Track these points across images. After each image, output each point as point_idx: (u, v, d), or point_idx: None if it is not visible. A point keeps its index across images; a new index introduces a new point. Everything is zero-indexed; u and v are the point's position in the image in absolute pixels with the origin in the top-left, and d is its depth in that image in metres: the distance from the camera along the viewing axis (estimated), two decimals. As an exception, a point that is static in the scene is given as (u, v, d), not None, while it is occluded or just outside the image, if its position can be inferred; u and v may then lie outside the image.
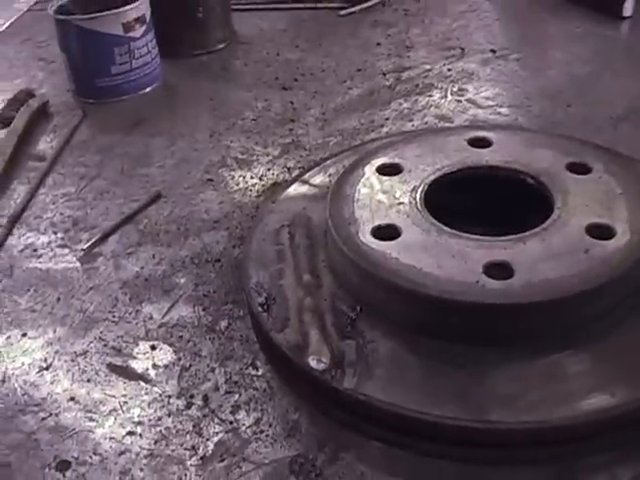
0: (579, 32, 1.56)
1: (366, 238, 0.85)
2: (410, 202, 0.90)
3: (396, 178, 0.95)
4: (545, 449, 0.74)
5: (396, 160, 0.98)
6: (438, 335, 0.78)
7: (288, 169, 1.19)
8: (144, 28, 1.43)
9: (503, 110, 1.30)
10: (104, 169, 1.25)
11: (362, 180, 0.95)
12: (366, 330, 0.81)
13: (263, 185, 1.16)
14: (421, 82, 1.41)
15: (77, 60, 1.43)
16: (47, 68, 1.61)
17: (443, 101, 1.34)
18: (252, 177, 1.18)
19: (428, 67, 1.47)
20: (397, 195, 0.91)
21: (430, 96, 1.36)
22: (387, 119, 1.30)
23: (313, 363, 0.78)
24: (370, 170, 0.96)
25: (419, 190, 0.92)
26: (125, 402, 0.84)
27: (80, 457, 0.78)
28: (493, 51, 1.50)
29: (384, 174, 0.96)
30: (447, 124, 1.26)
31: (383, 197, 0.91)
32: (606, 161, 0.95)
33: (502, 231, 0.85)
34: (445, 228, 0.85)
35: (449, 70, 1.45)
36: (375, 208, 0.90)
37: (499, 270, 0.79)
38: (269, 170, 1.19)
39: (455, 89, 1.38)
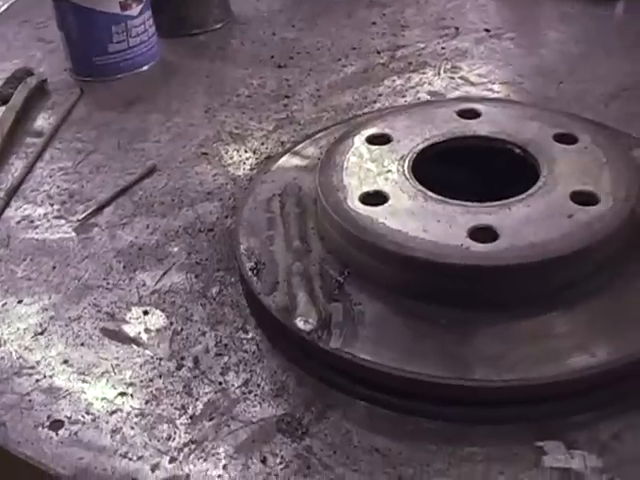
0: (573, 12, 1.56)
1: (354, 204, 0.87)
2: (398, 170, 0.91)
3: (385, 147, 0.96)
4: (527, 407, 0.75)
5: (385, 130, 0.99)
6: (424, 297, 0.80)
7: (282, 143, 1.20)
8: (141, 7, 1.44)
9: (495, 87, 1.31)
10: (101, 144, 1.26)
11: (351, 149, 0.96)
12: (353, 293, 0.82)
13: (257, 159, 1.17)
14: (415, 60, 1.42)
15: (74, 38, 1.44)
16: (45, 48, 1.61)
17: (436, 78, 1.35)
18: (246, 151, 1.20)
19: (422, 46, 1.48)
20: (385, 163, 0.93)
21: (423, 73, 1.37)
22: (380, 95, 1.31)
23: (300, 324, 0.80)
24: (360, 140, 0.98)
25: (407, 159, 0.93)
26: (117, 364, 0.85)
27: (73, 416, 0.80)
28: (487, 30, 1.51)
29: (373, 144, 0.97)
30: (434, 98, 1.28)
31: (372, 165, 0.93)
32: (592, 133, 0.96)
33: (489, 199, 0.86)
34: (431, 194, 0.87)
35: (443, 49, 1.46)
36: (364, 176, 0.91)
37: (484, 234, 0.81)
38: (263, 144, 1.21)
39: (448, 67, 1.39)
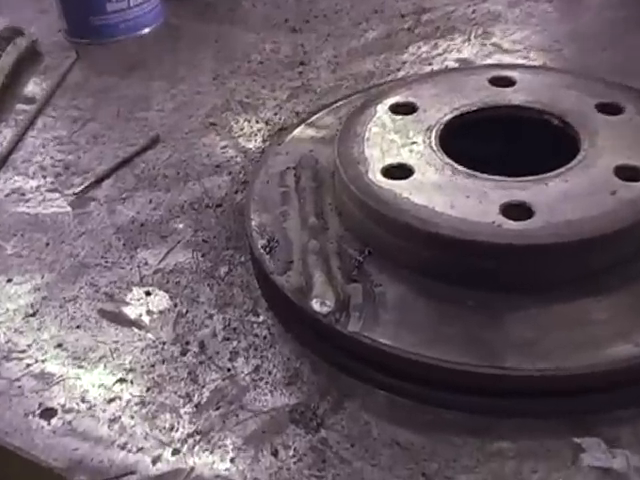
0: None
1: (376, 177, 0.87)
2: (424, 142, 0.91)
3: (410, 117, 0.96)
4: (562, 399, 0.75)
5: (411, 99, 0.99)
6: (450, 279, 0.80)
7: (297, 113, 1.20)
8: (143, -38, 1.44)
9: (531, 54, 1.31)
10: (99, 112, 1.27)
11: (373, 119, 0.96)
12: (374, 273, 0.83)
13: (269, 130, 1.18)
14: (442, 25, 1.42)
15: (70, -4, 1.44)
16: (37, 7, 1.61)
17: (466, 45, 1.35)
18: (258, 122, 1.20)
19: (451, 9, 1.47)
20: (410, 134, 0.93)
21: (452, 40, 1.37)
22: (404, 63, 1.31)
23: (316, 306, 0.80)
24: (382, 109, 0.98)
25: (434, 130, 0.93)
26: (116, 349, 0.86)
27: (67, 404, 0.80)
28: (523, -8, 1.51)
29: (397, 113, 0.97)
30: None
31: (395, 136, 0.93)
32: (638, 102, 0.96)
33: (523, 175, 0.86)
34: (460, 168, 0.87)
35: (473, 12, 1.45)
36: (386, 147, 0.91)
37: (517, 211, 0.81)
38: (276, 115, 1.21)
39: (479, 32, 1.38)
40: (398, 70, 1.30)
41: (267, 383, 0.80)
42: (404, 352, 0.76)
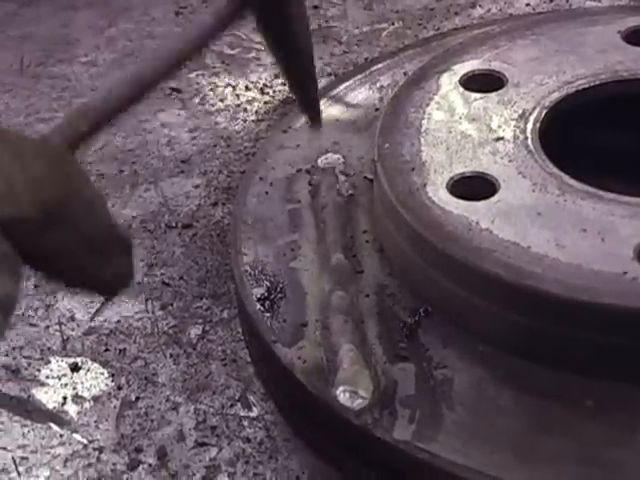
0: None
1: (439, 195, 0.89)
2: (516, 137, 0.93)
3: (494, 96, 0.98)
4: None
5: (495, 65, 1.01)
6: (555, 360, 0.82)
7: (311, 77, 1.21)
8: None
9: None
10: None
11: (436, 98, 0.99)
12: (433, 347, 0.85)
13: (267, 102, 1.20)
14: None
15: None
16: None
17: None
18: (248, 88, 1.22)
19: None
20: (494, 125, 0.95)
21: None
22: (484, -5, 1.33)
23: (343, 397, 0.81)
24: (450, 81, 1.00)
25: (532, 117, 0.95)
26: (24, 458, 0.87)
27: None
28: None
29: (473, 89, 1.00)
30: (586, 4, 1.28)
31: (470, 127, 0.95)
32: None
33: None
34: (573, 182, 0.89)
35: None
36: (456, 146, 0.93)
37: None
38: (277, 77, 1.22)
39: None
40: (473, 6, 1.32)
41: (265, 519, 0.81)
42: (480, 476, 0.76)
